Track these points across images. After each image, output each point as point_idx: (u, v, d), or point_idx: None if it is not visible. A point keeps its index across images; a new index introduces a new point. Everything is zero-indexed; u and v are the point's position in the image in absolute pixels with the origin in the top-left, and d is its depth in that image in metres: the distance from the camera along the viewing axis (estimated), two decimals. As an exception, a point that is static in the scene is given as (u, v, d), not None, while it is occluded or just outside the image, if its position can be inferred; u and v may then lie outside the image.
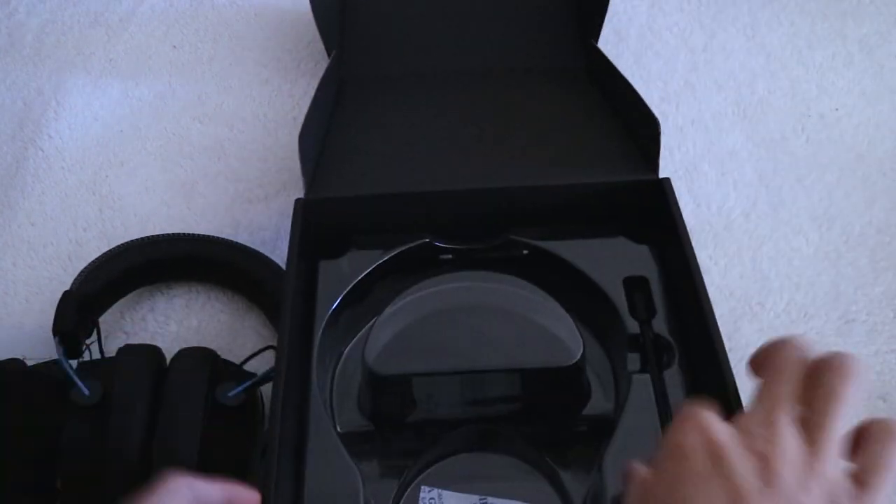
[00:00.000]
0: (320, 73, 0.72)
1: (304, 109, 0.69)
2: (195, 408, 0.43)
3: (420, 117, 0.61)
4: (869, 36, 0.75)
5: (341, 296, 0.49)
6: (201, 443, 0.42)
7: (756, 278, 0.59)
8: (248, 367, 0.50)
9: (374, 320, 0.48)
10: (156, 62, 0.75)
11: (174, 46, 0.76)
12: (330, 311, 0.49)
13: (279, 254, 0.59)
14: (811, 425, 0.32)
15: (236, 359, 0.51)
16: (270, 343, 0.54)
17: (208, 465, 0.42)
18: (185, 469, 0.41)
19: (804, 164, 0.66)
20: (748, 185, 0.64)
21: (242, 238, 0.59)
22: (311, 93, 0.71)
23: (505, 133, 0.59)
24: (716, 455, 0.31)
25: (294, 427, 0.44)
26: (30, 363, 0.48)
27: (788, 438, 0.31)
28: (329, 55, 0.64)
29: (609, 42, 0.75)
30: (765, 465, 0.31)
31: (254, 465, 0.46)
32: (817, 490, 0.30)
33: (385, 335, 0.46)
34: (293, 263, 0.47)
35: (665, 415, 0.45)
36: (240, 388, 0.45)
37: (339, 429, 0.46)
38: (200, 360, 0.46)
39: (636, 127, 0.56)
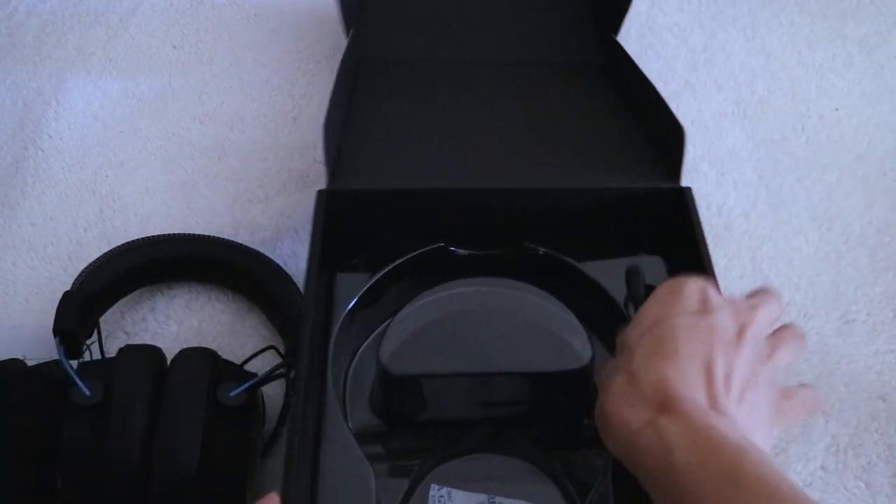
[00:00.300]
0: (321, 74, 0.72)
1: (304, 109, 0.70)
2: (196, 408, 0.43)
3: (437, 106, 0.61)
4: (869, 36, 0.75)
5: (357, 296, 0.50)
6: (202, 443, 0.42)
7: (756, 278, 0.59)
8: (248, 367, 0.50)
9: (388, 321, 0.48)
10: (156, 62, 0.75)
11: (174, 46, 0.76)
12: (346, 312, 0.49)
13: (279, 254, 0.59)
14: (772, 348, 0.40)
15: (237, 359, 0.51)
16: (271, 343, 0.54)
17: (209, 466, 0.42)
18: (184, 471, 0.41)
19: (804, 164, 0.66)
20: (748, 185, 0.64)
21: (243, 238, 0.59)
22: (311, 93, 0.71)
23: (522, 128, 0.59)
24: (708, 305, 0.38)
25: (311, 423, 0.44)
26: (30, 363, 0.48)
27: (762, 330, 0.40)
28: (347, 34, 0.63)
29: (609, 42, 0.75)
30: (741, 330, 0.38)
31: (255, 465, 0.46)
32: (768, 370, 0.39)
33: (399, 336, 0.47)
34: (315, 256, 0.47)
35: None
36: (241, 388, 0.45)
37: (351, 426, 0.46)
38: (201, 360, 0.46)
39: (658, 132, 0.56)
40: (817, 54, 0.74)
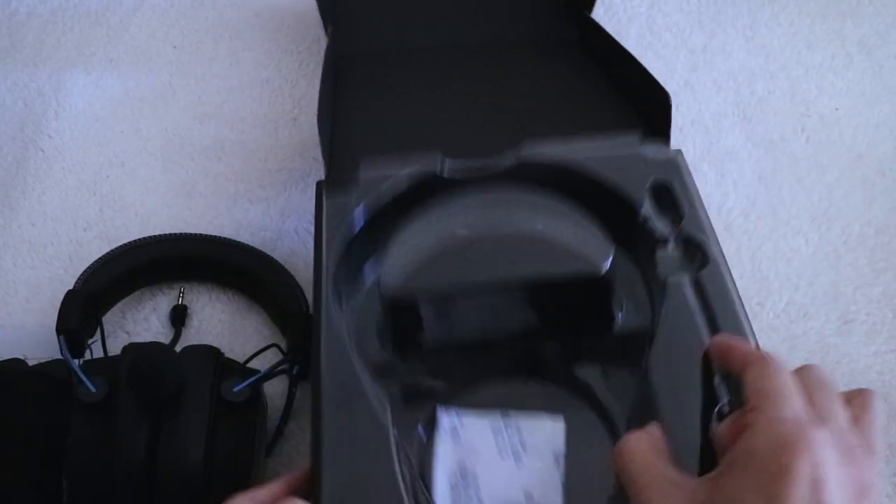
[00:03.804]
0: (320, 75, 0.72)
1: (305, 109, 0.70)
2: (201, 403, 0.43)
3: (422, 91, 0.61)
4: (868, 36, 0.76)
5: (350, 234, 0.47)
6: (207, 438, 0.42)
7: (755, 278, 0.59)
8: (250, 365, 0.50)
9: (388, 248, 0.45)
10: (156, 62, 0.75)
11: (175, 46, 0.76)
12: (340, 248, 0.46)
13: (279, 254, 0.59)
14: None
15: (239, 358, 0.51)
16: (272, 342, 0.54)
17: (215, 460, 0.42)
18: (190, 466, 0.42)
19: (804, 164, 0.66)
20: (748, 185, 0.65)
21: (243, 238, 0.59)
22: (311, 93, 0.71)
23: (507, 105, 0.58)
24: (820, 488, 0.29)
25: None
26: (30, 363, 0.48)
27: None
28: (326, 32, 0.64)
29: (609, 42, 0.75)
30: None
31: (259, 461, 0.46)
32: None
33: (401, 260, 0.44)
34: (321, 251, 0.45)
35: (710, 317, 0.42)
36: (245, 384, 0.45)
37: (361, 361, 0.43)
38: (205, 356, 0.46)
39: (644, 101, 0.55)
40: (817, 54, 0.74)
